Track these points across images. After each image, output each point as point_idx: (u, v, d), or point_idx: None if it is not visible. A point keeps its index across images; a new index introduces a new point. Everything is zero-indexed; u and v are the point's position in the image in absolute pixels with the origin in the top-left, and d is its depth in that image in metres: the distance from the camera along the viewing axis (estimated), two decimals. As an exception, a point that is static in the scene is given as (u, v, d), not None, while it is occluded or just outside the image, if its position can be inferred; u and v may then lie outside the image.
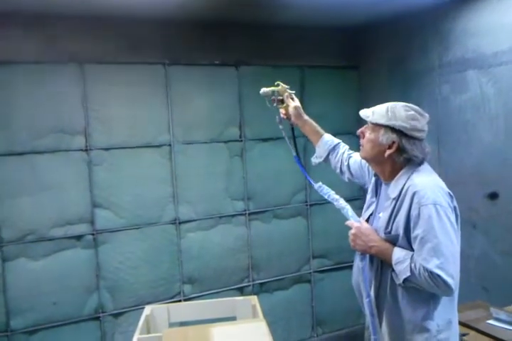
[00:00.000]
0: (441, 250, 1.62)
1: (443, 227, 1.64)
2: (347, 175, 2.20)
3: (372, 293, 1.78)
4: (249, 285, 3.58)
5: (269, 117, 3.68)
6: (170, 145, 3.31)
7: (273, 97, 2.26)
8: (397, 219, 1.73)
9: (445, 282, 1.59)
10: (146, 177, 3.24)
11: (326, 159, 2.27)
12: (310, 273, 3.77)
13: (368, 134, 1.81)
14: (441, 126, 3.23)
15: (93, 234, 3.09)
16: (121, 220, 3.17)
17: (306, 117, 2.27)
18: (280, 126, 2.31)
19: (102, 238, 3.12)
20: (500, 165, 2.83)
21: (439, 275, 1.59)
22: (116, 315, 3.17)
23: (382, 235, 1.76)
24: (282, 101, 2.26)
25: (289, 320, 3.67)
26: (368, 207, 1.94)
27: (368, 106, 1.85)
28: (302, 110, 2.26)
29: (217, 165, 3.48)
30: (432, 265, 1.60)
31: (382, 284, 1.78)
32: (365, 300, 1.77)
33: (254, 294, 3.39)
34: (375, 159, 1.83)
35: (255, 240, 3.61)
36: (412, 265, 1.64)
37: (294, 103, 2.25)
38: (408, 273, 1.64)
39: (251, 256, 3.57)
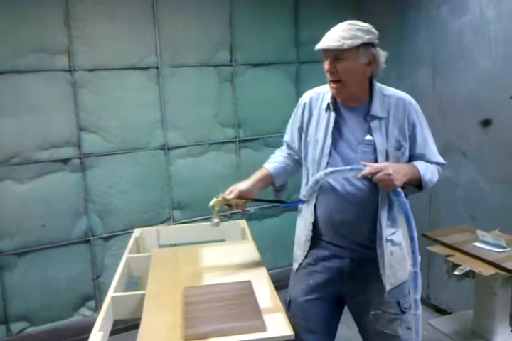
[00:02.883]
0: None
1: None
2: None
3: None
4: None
5: (261, 42, 3.60)
6: (157, 67, 3.19)
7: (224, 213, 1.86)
8: (392, 135, 1.74)
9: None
10: (133, 101, 3.15)
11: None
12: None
13: (344, 64, 1.68)
14: (438, 51, 3.13)
15: (80, 158, 3.04)
16: (108, 144, 3.11)
17: (254, 188, 1.88)
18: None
19: (89, 162, 3.07)
20: (497, 91, 2.76)
21: (444, 163, 1.86)
22: (106, 239, 3.19)
23: (391, 154, 1.73)
24: (229, 205, 1.84)
25: (278, 246, 3.72)
26: (324, 142, 1.79)
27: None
28: (245, 187, 1.86)
29: (206, 90, 3.39)
30: (441, 158, 1.85)
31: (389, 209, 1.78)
32: (413, 246, 1.66)
33: (244, 220, 3.42)
34: (354, 86, 1.74)
35: (245, 168, 3.57)
36: (433, 167, 1.81)
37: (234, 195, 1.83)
38: (437, 175, 1.81)
39: (241, 184, 3.56)
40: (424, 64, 3.24)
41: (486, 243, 2.34)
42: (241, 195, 1.83)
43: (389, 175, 1.62)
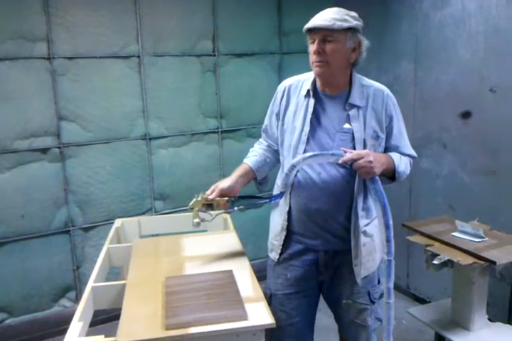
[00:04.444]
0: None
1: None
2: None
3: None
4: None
5: (244, 32, 3.57)
6: (139, 56, 3.15)
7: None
8: (370, 125, 1.75)
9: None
10: (114, 90, 3.11)
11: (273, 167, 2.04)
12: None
13: (332, 45, 1.68)
14: (420, 44, 3.14)
15: (59, 148, 3.00)
16: (88, 134, 3.07)
17: (236, 184, 1.84)
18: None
19: (69, 152, 3.03)
20: (477, 83, 2.79)
21: (415, 157, 1.90)
22: (87, 229, 3.16)
23: (368, 143, 1.74)
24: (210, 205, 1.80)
25: (259, 236, 3.72)
26: (302, 129, 1.78)
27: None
28: (227, 185, 1.81)
29: (189, 80, 3.36)
30: (413, 151, 1.89)
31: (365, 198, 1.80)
32: (388, 235, 1.66)
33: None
34: (339, 70, 1.74)
35: (227, 159, 3.57)
36: (406, 159, 1.84)
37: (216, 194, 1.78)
38: (409, 167, 1.85)
39: (223, 175, 3.55)
40: (406, 56, 3.25)
41: (465, 233, 2.37)
42: (223, 194, 1.78)
43: (370, 162, 1.62)
